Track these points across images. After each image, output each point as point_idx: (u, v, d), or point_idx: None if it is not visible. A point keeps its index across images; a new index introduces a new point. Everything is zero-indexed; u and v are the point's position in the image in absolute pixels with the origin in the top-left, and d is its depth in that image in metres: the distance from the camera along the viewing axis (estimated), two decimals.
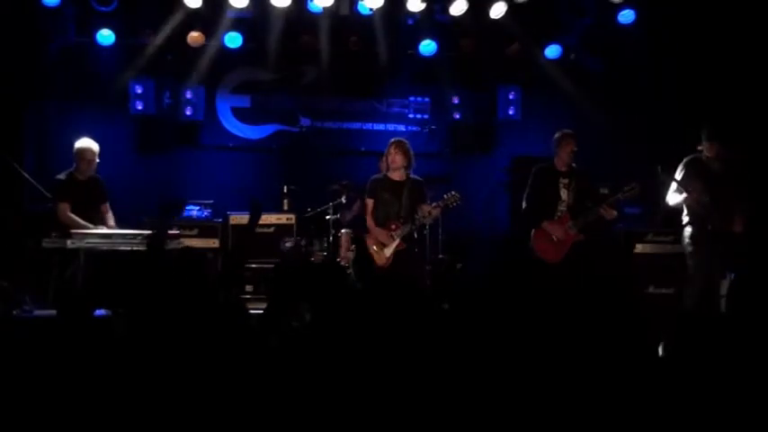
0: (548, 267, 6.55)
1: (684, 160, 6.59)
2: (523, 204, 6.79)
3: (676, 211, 6.65)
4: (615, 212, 6.57)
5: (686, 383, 3.02)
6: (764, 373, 3.03)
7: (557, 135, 6.72)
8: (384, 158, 6.70)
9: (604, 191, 8.42)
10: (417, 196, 6.60)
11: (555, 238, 6.56)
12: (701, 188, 6.44)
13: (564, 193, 6.64)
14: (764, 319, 3.69)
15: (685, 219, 6.58)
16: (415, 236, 6.63)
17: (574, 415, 2.83)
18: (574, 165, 6.71)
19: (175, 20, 8.17)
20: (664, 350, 3.25)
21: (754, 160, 7.44)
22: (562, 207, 6.64)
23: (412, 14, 8.51)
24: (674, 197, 6.59)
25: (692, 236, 6.51)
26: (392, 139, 6.71)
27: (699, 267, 6.44)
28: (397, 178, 6.58)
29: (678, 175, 6.57)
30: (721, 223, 6.37)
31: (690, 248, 6.52)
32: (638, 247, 8.02)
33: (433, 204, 6.53)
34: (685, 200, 6.47)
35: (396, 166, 6.53)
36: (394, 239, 6.48)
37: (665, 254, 7.75)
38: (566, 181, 6.67)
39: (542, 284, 6.36)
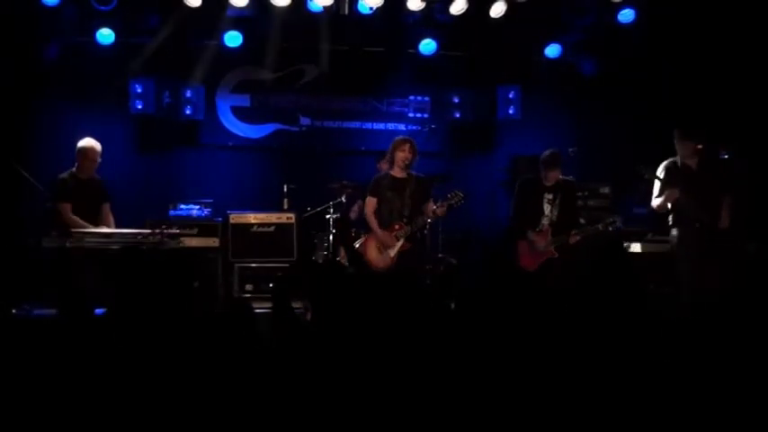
0: (523, 273, 6.67)
1: (662, 164, 6.68)
2: (511, 214, 6.96)
3: (664, 214, 6.72)
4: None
5: (686, 383, 3.02)
6: (762, 373, 3.04)
7: (544, 156, 6.76)
8: (388, 156, 6.68)
9: (604, 190, 8.48)
10: (423, 194, 6.60)
11: (536, 248, 6.69)
12: (682, 188, 6.51)
13: (547, 208, 6.76)
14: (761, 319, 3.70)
15: (671, 220, 6.65)
16: (418, 235, 6.64)
17: (573, 412, 2.84)
18: (561, 178, 6.77)
19: (175, 19, 8.18)
20: (662, 348, 3.25)
21: (749, 161, 7.50)
22: (544, 221, 6.76)
23: (412, 13, 8.51)
24: (657, 200, 6.66)
25: (679, 236, 6.57)
26: (401, 137, 6.69)
27: (688, 267, 6.48)
28: (400, 176, 6.58)
29: (658, 179, 6.64)
30: (707, 220, 6.42)
31: (677, 249, 6.59)
32: (638, 247, 8.04)
33: (438, 204, 6.53)
34: (667, 198, 6.52)
35: (406, 164, 6.51)
36: (398, 240, 6.48)
37: (665, 253, 7.77)
38: (550, 196, 6.77)
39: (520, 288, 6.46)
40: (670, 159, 6.68)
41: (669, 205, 6.58)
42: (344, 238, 6.93)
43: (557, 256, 6.65)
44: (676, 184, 6.53)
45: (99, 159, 6.93)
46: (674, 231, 6.63)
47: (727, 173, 6.76)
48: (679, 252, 6.58)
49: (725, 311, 5.79)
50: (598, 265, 7.41)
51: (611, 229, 6.70)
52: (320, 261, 7.86)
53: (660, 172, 6.67)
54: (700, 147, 6.60)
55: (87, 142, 6.92)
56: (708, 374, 3.08)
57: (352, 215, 8.13)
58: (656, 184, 6.66)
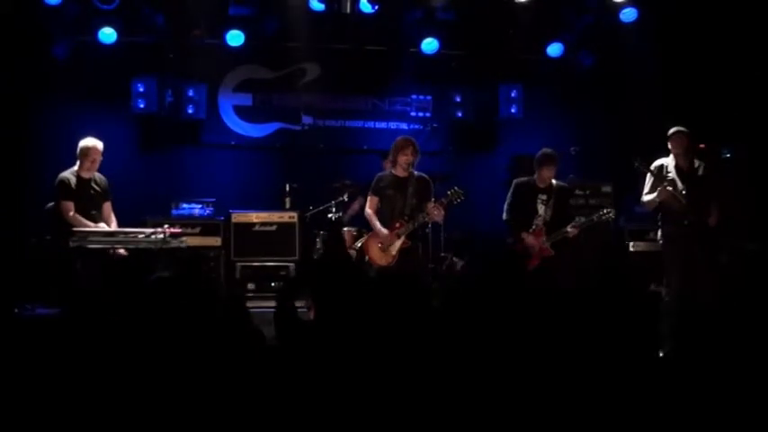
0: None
1: (655, 163, 6.71)
2: (504, 215, 6.96)
3: (653, 209, 6.76)
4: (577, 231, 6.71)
5: (683, 380, 3.02)
6: (760, 369, 3.04)
7: (538, 155, 6.82)
8: (391, 157, 6.70)
9: (606, 189, 8.48)
10: (424, 193, 6.60)
11: (531, 248, 6.72)
12: (672, 186, 6.55)
13: (541, 209, 6.81)
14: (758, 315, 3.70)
15: (660, 217, 6.68)
16: (420, 233, 6.65)
17: (570, 413, 2.84)
18: (554, 182, 6.81)
19: (177, 17, 8.19)
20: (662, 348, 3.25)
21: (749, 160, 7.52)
22: (538, 221, 6.80)
23: (414, 12, 8.51)
24: (647, 196, 6.68)
25: (667, 233, 6.60)
26: (403, 139, 6.69)
27: (675, 263, 6.52)
28: (402, 175, 6.59)
29: (650, 175, 6.68)
30: (696, 217, 6.45)
31: (665, 246, 6.62)
32: (638, 245, 8.04)
33: (437, 202, 6.54)
34: (659, 194, 6.55)
35: (409, 164, 6.53)
36: (399, 237, 6.49)
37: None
38: (544, 197, 6.82)
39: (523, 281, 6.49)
40: (662, 158, 6.72)
41: (658, 202, 6.62)
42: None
43: (553, 254, 6.66)
44: (667, 182, 6.56)
45: (101, 158, 6.92)
46: (662, 228, 6.67)
47: (719, 173, 6.79)
48: (666, 250, 6.62)
49: (717, 310, 5.80)
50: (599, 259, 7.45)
51: (604, 219, 6.77)
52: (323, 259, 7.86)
53: (653, 168, 6.69)
54: (697, 146, 6.63)
55: (89, 141, 6.91)
56: (706, 374, 3.08)
57: (351, 212, 8.14)
58: (648, 180, 6.69)
